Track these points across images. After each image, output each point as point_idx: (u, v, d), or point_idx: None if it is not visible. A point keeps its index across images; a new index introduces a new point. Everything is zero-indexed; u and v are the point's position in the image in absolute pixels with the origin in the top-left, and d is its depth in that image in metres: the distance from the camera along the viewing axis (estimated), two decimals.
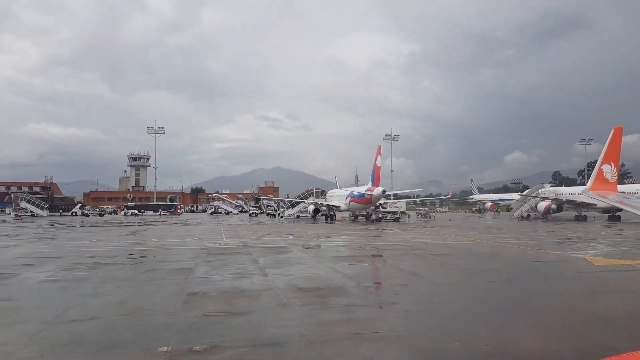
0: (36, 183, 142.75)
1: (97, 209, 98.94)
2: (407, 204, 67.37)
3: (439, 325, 8.74)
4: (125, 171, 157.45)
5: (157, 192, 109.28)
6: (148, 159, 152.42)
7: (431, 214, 70.80)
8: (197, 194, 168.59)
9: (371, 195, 47.53)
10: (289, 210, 63.35)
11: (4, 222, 62.29)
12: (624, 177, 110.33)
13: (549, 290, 12.32)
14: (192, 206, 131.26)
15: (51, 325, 8.66)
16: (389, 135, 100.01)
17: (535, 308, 10.13)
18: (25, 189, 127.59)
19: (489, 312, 10.01)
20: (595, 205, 54.39)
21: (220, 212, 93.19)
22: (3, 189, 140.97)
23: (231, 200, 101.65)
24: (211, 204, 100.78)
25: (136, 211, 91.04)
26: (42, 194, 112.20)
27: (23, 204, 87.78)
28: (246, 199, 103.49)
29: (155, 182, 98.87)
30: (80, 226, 47.63)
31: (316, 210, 58.43)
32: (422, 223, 50.75)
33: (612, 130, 55.34)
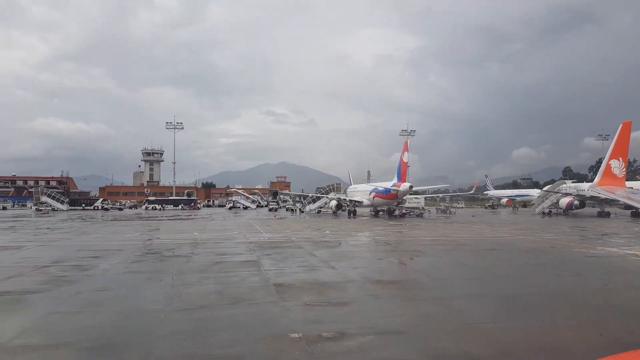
0: (52, 177, 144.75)
1: (118, 204, 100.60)
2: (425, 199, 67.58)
3: (549, 318, 9.00)
4: (140, 166, 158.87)
5: (172, 187, 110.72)
6: (162, 153, 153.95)
7: (452, 209, 70.84)
8: (209, 188, 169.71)
9: (397, 190, 47.71)
10: (310, 205, 63.74)
11: (31, 216, 63.40)
12: (636, 173, 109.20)
13: (628, 283, 12.53)
14: (209, 201, 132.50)
15: (169, 313, 9.05)
16: (405, 130, 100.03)
17: (628, 299, 10.35)
18: (42, 183, 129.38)
19: (584, 305, 10.23)
20: (619, 201, 54.15)
21: (239, 207, 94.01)
22: (21, 183, 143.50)
23: (248, 195, 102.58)
24: (229, 198, 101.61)
25: (157, 205, 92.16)
26: (58, 189, 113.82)
27: (44, 198, 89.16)
28: (262, 194, 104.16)
29: (174, 176, 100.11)
30: (111, 220, 48.43)
31: (338, 206, 58.73)
32: (445, 219, 50.87)
33: (621, 125, 54.55)
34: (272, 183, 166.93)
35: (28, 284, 12.17)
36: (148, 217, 56.83)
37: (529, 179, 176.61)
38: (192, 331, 7.82)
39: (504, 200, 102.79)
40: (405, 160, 49.13)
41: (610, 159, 56.09)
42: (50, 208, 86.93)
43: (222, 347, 7.09)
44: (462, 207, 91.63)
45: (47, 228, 34.85)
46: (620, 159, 57.19)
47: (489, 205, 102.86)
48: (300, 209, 69.29)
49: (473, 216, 57.26)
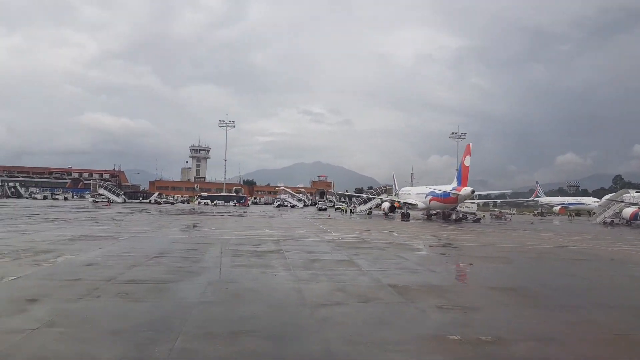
0: (105, 170, 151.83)
1: (172, 198, 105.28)
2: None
3: None
4: (187, 162, 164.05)
5: (218, 183, 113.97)
6: (208, 150, 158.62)
7: (507, 215, 69.06)
8: (251, 185, 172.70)
9: (457, 194, 47.06)
10: (361, 206, 63.80)
11: (92, 207, 66.70)
12: None
13: None
14: (255, 198, 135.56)
15: (315, 308, 9.46)
16: (455, 133, 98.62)
17: None
18: (96, 176, 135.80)
19: None
20: None
21: (286, 205, 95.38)
22: (76, 175, 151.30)
23: (294, 194, 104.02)
24: (278, 196, 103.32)
25: (209, 201, 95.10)
26: (112, 182, 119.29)
27: (101, 190, 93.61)
28: (309, 193, 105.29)
29: (225, 173, 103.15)
30: (177, 213, 50.45)
31: (391, 208, 58.50)
32: (501, 225, 49.70)
33: None
34: (313, 182, 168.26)
35: (155, 273, 12.93)
36: (206, 212, 58.75)
37: (576, 186, 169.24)
38: (360, 327, 8.19)
39: (557, 208, 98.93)
40: (467, 164, 48.33)
41: None
42: (106, 200, 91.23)
43: (394, 344, 7.40)
44: (514, 214, 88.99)
45: (121, 220, 36.68)
46: None
47: (538, 213, 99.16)
48: (350, 210, 69.49)
49: (532, 224, 55.63)
